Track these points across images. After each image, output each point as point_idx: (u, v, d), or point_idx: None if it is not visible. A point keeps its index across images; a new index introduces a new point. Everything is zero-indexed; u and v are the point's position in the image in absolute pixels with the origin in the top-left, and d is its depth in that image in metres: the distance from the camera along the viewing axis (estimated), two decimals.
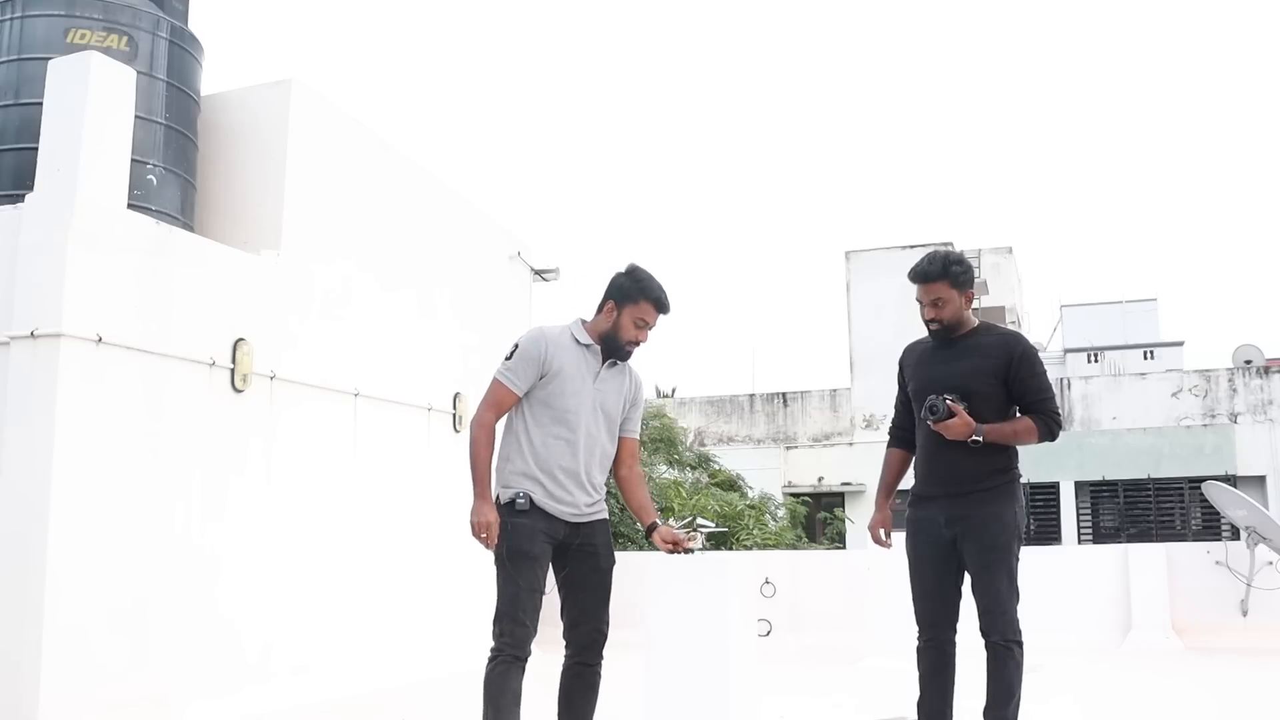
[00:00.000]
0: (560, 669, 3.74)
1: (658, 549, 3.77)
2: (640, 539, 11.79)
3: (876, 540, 4.08)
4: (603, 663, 3.71)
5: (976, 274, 28.79)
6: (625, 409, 3.83)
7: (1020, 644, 3.81)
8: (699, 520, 3.87)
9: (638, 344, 3.75)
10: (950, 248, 25.20)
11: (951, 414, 3.78)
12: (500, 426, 3.75)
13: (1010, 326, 31.03)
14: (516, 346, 3.69)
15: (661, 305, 3.73)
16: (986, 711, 3.82)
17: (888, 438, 4.26)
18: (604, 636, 3.69)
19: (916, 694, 4.02)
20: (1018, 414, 3.94)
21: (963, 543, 3.87)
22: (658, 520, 3.81)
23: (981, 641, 3.85)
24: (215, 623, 5.59)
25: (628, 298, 3.70)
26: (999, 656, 3.79)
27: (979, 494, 3.84)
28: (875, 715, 5.31)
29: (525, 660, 3.56)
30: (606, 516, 3.82)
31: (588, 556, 3.68)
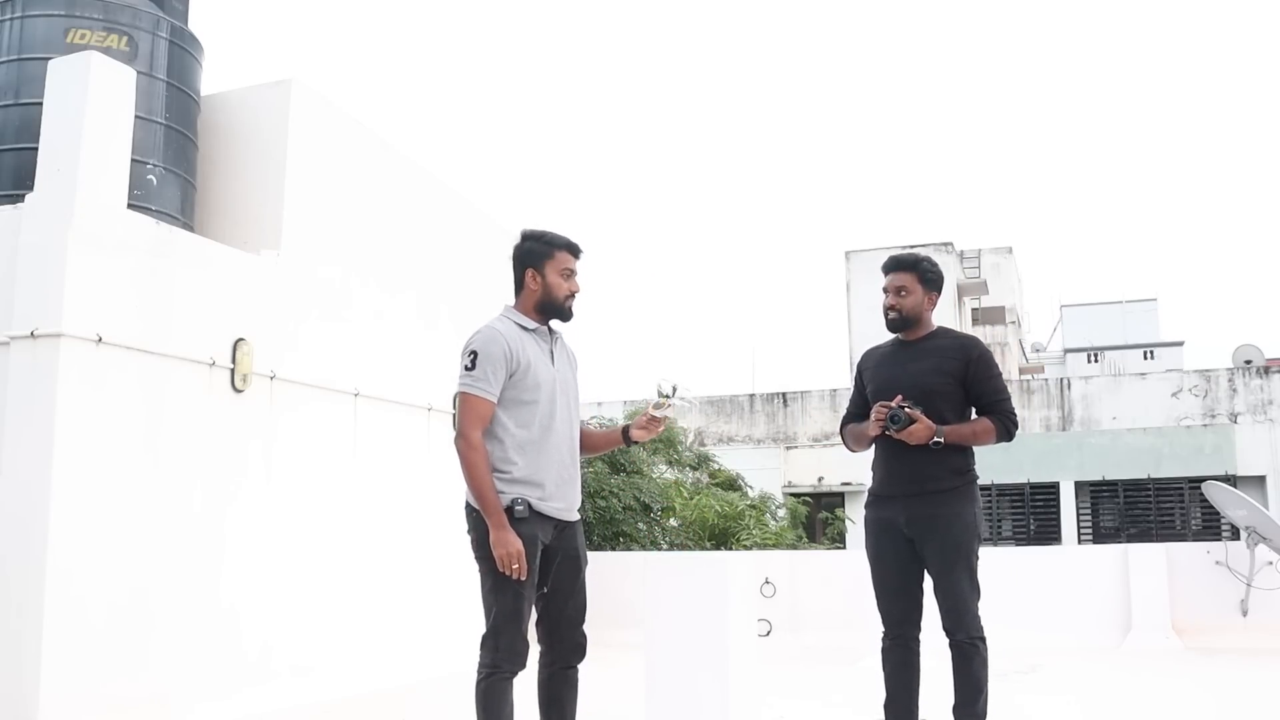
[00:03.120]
0: (537, 675, 3.61)
1: (639, 440, 3.73)
2: (643, 539, 11.78)
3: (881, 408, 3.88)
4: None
5: (976, 274, 28.89)
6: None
7: (984, 640, 3.85)
8: (671, 390, 3.79)
9: (574, 295, 3.63)
10: (950, 248, 25.21)
11: (912, 420, 3.80)
12: None
13: (1011, 326, 31.02)
14: (475, 354, 3.45)
15: (573, 248, 3.64)
16: (956, 709, 3.84)
17: (840, 428, 4.29)
18: (585, 642, 3.62)
19: (883, 695, 4.03)
20: (974, 415, 4.00)
21: (923, 544, 3.90)
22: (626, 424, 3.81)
23: (945, 641, 3.88)
24: (216, 623, 5.58)
25: (542, 257, 3.59)
26: (965, 654, 3.82)
27: (939, 495, 3.88)
28: (875, 715, 5.31)
29: (519, 672, 3.48)
30: (579, 516, 3.73)
31: (570, 562, 3.57)
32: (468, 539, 3.52)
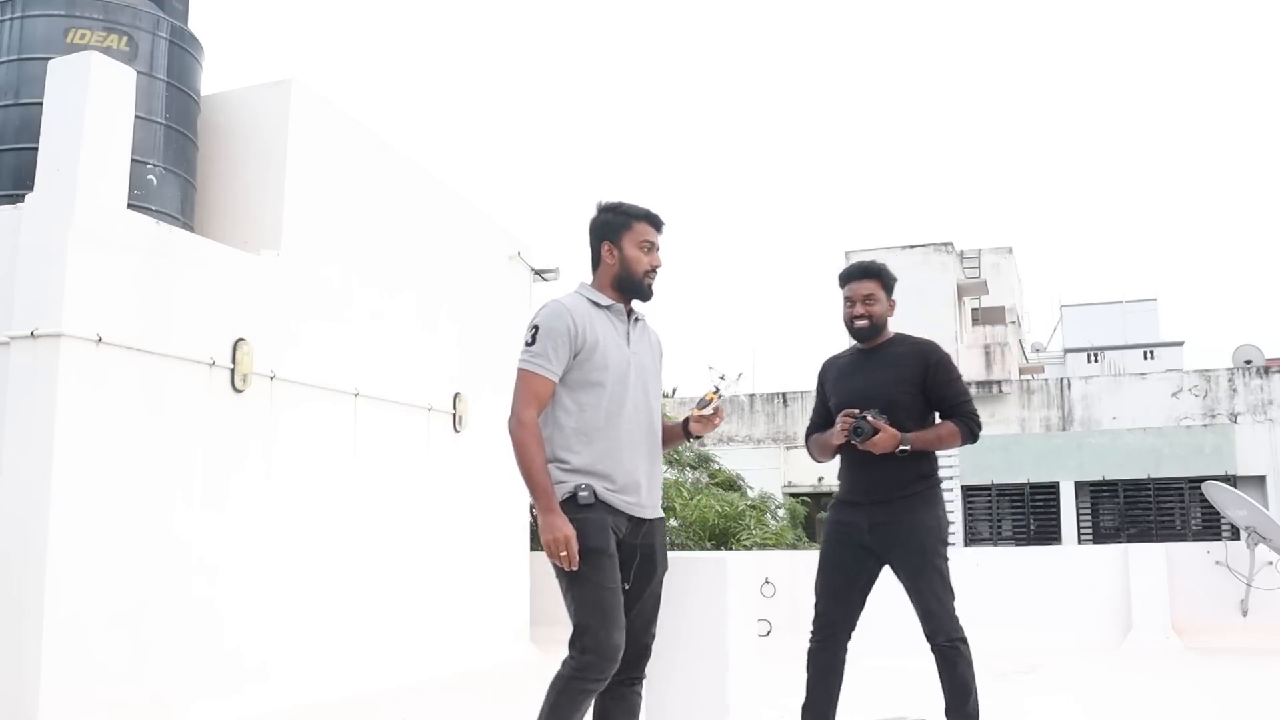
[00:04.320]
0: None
1: (698, 434, 3.38)
2: None
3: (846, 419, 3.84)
4: (644, 680, 3.29)
5: (976, 274, 28.89)
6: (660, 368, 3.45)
7: (965, 640, 3.83)
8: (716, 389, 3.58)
9: (655, 270, 3.32)
10: (950, 248, 25.22)
11: (876, 431, 3.79)
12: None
13: (1011, 326, 30.99)
14: (537, 328, 3.15)
15: (653, 219, 3.35)
16: (948, 713, 3.83)
17: (805, 439, 4.23)
18: (650, 651, 3.29)
19: (803, 696, 4.01)
20: (938, 419, 3.99)
21: (888, 551, 3.89)
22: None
23: (925, 648, 3.86)
24: (215, 623, 5.58)
25: (620, 229, 3.30)
26: (947, 657, 3.81)
27: (902, 500, 3.87)
28: (875, 715, 5.31)
29: (606, 683, 3.09)
30: (662, 514, 3.42)
31: (646, 563, 3.23)
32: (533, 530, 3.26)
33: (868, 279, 4.00)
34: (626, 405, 3.21)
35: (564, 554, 3.00)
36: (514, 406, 3.13)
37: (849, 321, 4.02)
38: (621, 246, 3.29)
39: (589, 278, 3.39)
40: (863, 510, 3.92)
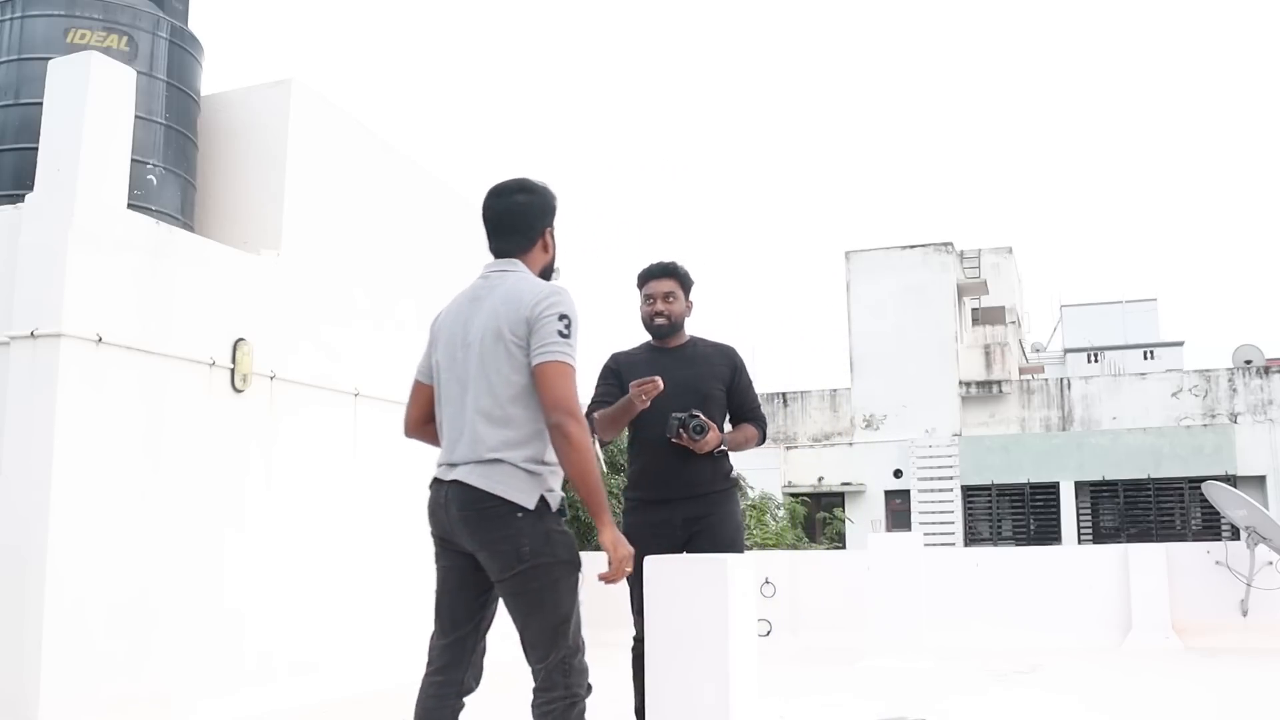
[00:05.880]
0: (424, 698, 3.17)
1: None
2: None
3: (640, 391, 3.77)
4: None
5: (976, 274, 28.90)
6: None
7: None
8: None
9: None
10: (950, 248, 25.22)
11: (705, 429, 3.83)
12: (511, 413, 2.92)
13: (1011, 326, 30.99)
14: (569, 319, 2.87)
15: None
16: None
17: (591, 410, 4.06)
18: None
19: (634, 700, 3.91)
20: (730, 421, 4.09)
21: (699, 540, 3.94)
22: None
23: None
24: (216, 622, 5.59)
25: (554, 218, 3.10)
26: None
27: (714, 496, 3.97)
28: (875, 715, 5.31)
29: None
30: None
31: None
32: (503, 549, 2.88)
33: (667, 278, 4.06)
34: None
35: (629, 569, 2.86)
36: (567, 404, 2.78)
37: (648, 319, 4.06)
38: (554, 236, 3.13)
39: (484, 255, 3.15)
40: (676, 506, 3.94)
